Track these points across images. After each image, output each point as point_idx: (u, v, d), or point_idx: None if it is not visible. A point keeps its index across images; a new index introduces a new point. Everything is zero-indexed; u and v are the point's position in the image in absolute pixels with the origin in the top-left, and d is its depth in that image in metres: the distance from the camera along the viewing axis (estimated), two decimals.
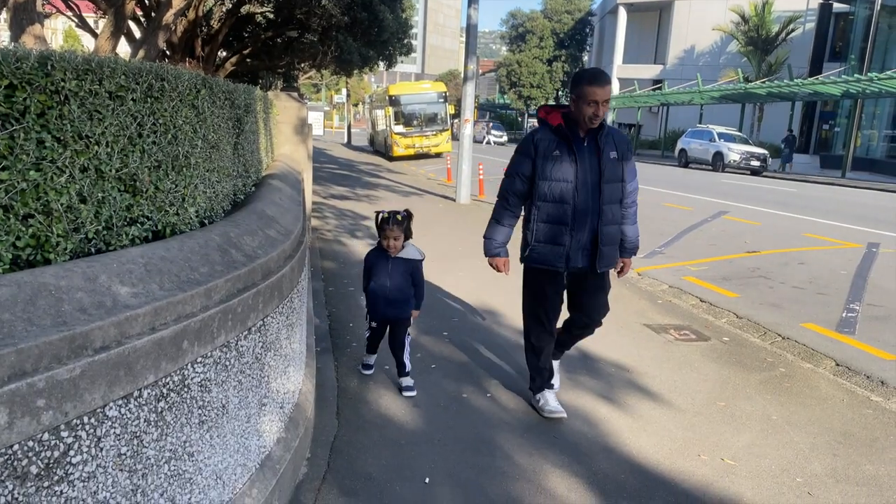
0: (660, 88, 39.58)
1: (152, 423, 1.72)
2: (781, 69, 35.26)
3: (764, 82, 31.54)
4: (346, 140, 43.62)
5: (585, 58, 58.15)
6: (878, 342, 5.40)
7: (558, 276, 3.64)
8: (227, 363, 2.08)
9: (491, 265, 3.78)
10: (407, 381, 4.10)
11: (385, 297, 3.93)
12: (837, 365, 4.89)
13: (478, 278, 7.07)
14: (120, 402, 1.59)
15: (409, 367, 4.11)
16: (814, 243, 9.88)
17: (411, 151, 28.06)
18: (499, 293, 6.44)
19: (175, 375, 1.78)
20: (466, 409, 3.88)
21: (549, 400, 3.84)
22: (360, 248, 8.33)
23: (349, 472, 3.06)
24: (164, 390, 1.75)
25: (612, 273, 3.89)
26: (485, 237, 3.77)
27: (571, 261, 3.55)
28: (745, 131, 32.71)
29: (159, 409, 1.74)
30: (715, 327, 5.73)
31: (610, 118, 43.74)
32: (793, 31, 36.35)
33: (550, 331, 3.81)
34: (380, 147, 32.20)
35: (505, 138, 49.29)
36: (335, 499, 2.82)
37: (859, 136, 30.22)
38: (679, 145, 30.57)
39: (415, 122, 28.47)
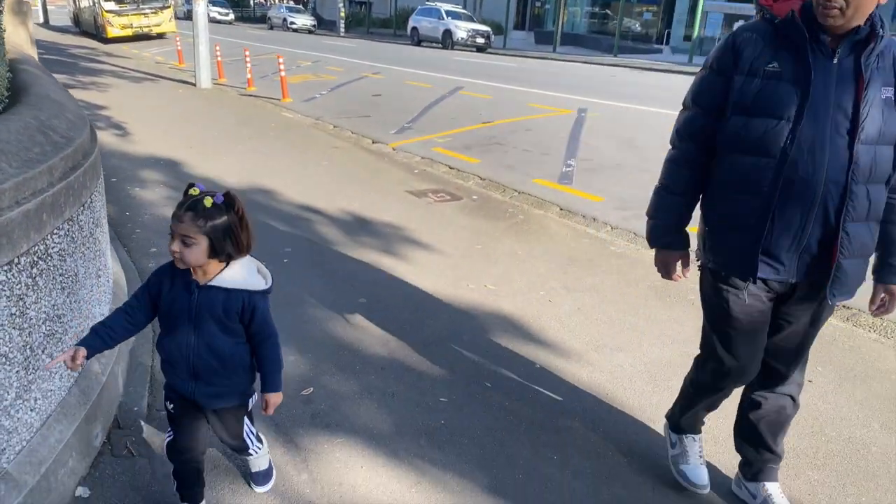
0: None
1: (30, 287, 1.89)
2: None
3: None
4: (41, 20, 37.68)
5: None
6: (591, 189, 6.66)
7: (747, 289, 2.06)
8: (73, 235, 2.23)
9: (659, 265, 2.27)
10: (258, 461, 2.33)
11: (189, 366, 1.94)
12: (561, 209, 6.00)
13: (240, 159, 7.17)
14: (6, 267, 1.75)
15: (255, 449, 2.27)
16: (536, 112, 11.28)
17: (129, 32, 25.26)
18: (270, 171, 6.66)
19: (40, 245, 1.94)
20: (274, 271, 4.22)
21: (691, 454, 2.47)
22: (108, 138, 7.83)
23: None
24: (35, 258, 1.91)
25: (871, 322, 3.04)
26: (647, 215, 2.26)
27: (773, 267, 1.99)
28: (468, 9, 34.35)
29: (33, 275, 1.90)
30: (465, 189, 6.58)
31: None
32: None
33: (734, 372, 2.20)
34: (88, 27, 28.46)
35: (231, 16, 46.13)
36: None
37: (566, 13, 33.42)
38: (410, 24, 31.33)
39: None
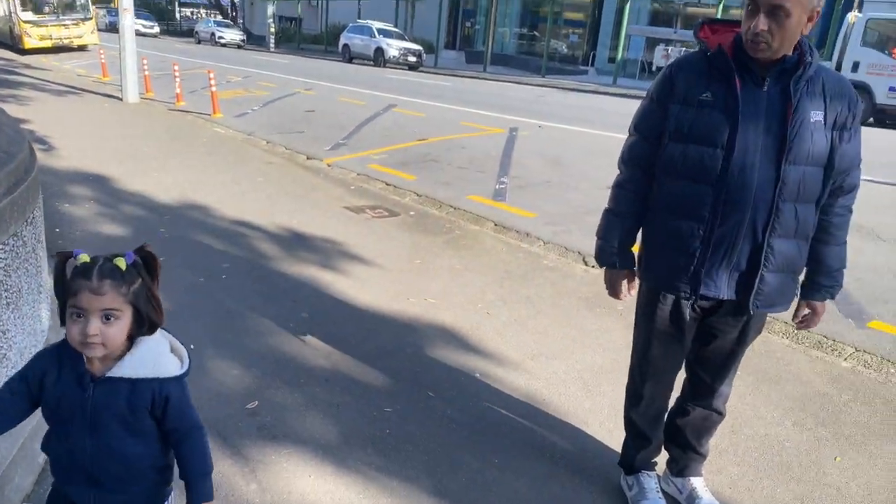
0: None
1: None
2: None
3: None
4: None
5: None
6: (523, 205, 6.87)
7: (679, 306, 2.21)
8: (17, 251, 2.23)
9: (606, 284, 2.36)
10: None
11: (85, 473, 1.55)
12: (496, 225, 6.18)
13: (173, 175, 7.08)
14: None
15: None
16: (470, 130, 11.51)
17: (48, 44, 24.33)
18: (204, 187, 6.60)
19: None
20: (213, 287, 4.21)
21: (647, 489, 2.53)
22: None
23: None
24: None
25: (783, 329, 3.27)
26: (598, 235, 2.34)
27: (704, 284, 2.10)
28: (400, 27, 34.63)
29: None
30: (402, 205, 6.69)
31: (270, 10, 42.51)
32: None
33: (661, 386, 2.45)
34: (4, 38, 27.26)
35: (157, 29, 45.07)
36: None
37: (495, 33, 34.13)
38: (342, 41, 31.34)
39: (47, 9, 24.60)
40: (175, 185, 6.69)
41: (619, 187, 2.27)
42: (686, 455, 2.55)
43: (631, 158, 2.23)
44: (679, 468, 2.58)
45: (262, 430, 2.81)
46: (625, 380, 2.59)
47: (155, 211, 5.85)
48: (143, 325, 1.51)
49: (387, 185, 7.50)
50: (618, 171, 2.30)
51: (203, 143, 9.29)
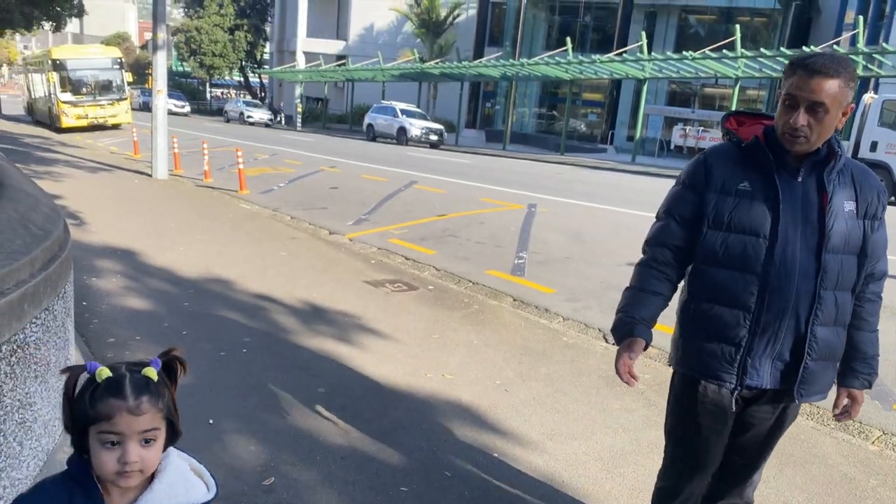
0: (344, 64, 41.13)
1: (8, 375, 1.94)
2: (451, 51, 39.07)
3: (436, 63, 34.73)
4: None
5: (268, 28, 57.44)
6: (542, 280, 6.90)
7: (722, 397, 2.14)
8: (48, 325, 2.29)
9: (616, 359, 2.14)
10: None
11: None
12: (515, 300, 6.20)
13: (198, 250, 7.23)
14: None
15: None
16: (489, 206, 11.68)
17: (84, 123, 25.39)
18: (228, 262, 6.73)
19: (20, 333, 2.00)
20: (233, 361, 4.25)
21: None
22: None
23: None
24: (14, 346, 1.97)
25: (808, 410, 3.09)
26: (618, 310, 2.25)
27: (749, 374, 2.08)
28: (422, 108, 35.68)
29: (12, 363, 1.96)
30: (420, 279, 6.75)
31: (298, 91, 44.09)
32: (458, 15, 40.43)
33: (701, 480, 2.34)
34: (42, 117, 28.56)
35: (188, 108, 46.84)
36: None
37: (514, 113, 35.01)
38: (366, 120, 32.34)
39: (85, 90, 25.76)
40: (200, 260, 6.82)
41: (645, 266, 2.23)
42: None
43: (661, 241, 2.20)
44: None
45: None
46: (646, 461, 2.56)
47: (179, 285, 5.95)
48: (175, 439, 1.34)
49: (406, 259, 7.59)
50: (643, 252, 2.27)
51: (229, 218, 9.51)
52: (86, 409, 1.21)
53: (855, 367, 2.16)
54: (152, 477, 1.31)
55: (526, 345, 5.02)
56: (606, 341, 5.12)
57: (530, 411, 3.87)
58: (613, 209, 12.17)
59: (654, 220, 2.27)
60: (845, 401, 2.19)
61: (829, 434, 3.80)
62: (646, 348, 2.15)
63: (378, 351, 4.65)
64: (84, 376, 1.24)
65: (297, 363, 4.35)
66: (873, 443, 3.74)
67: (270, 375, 4.12)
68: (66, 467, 1.31)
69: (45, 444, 2.27)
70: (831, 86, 1.87)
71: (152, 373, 1.27)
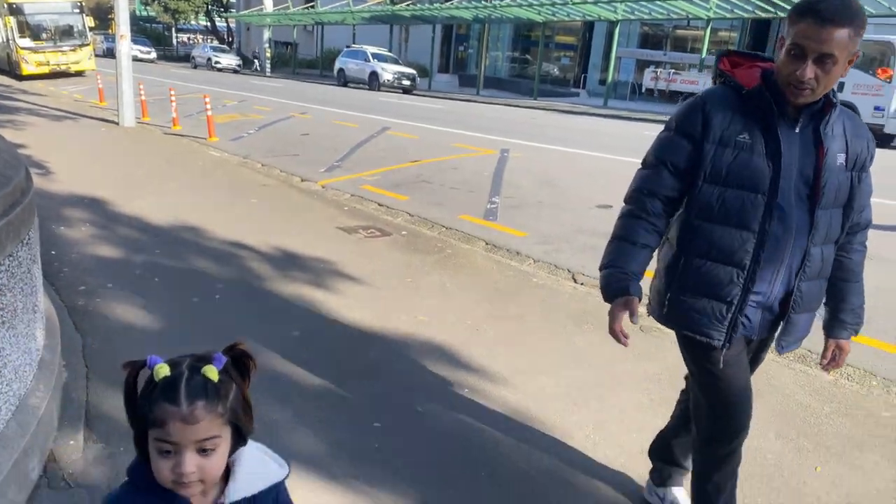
0: (313, 6, 40.05)
1: None
2: None
3: (407, 5, 33.96)
4: None
5: None
6: (514, 224, 6.97)
7: (712, 349, 2.09)
8: (12, 271, 2.29)
9: (610, 319, 2.06)
10: None
11: None
12: (487, 244, 6.27)
13: (168, 198, 7.16)
14: None
15: None
16: (462, 152, 11.64)
17: (45, 70, 24.59)
18: (199, 210, 6.68)
19: None
20: (207, 307, 4.27)
21: None
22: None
23: (110, 371, 3.34)
24: None
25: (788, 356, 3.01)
26: (601, 268, 2.14)
27: (740, 328, 2.06)
28: (394, 52, 35.01)
29: None
30: (394, 225, 6.78)
31: (266, 35, 42.89)
32: None
33: (741, 417, 2.20)
34: (2, 64, 27.57)
35: (153, 54, 45.49)
36: (104, 390, 3.13)
37: (487, 57, 34.51)
38: (337, 65, 31.70)
39: (45, 36, 24.87)
40: (170, 208, 6.76)
41: (634, 217, 2.09)
42: (671, 468, 2.60)
43: (652, 190, 2.07)
44: (662, 478, 2.63)
45: None
46: (611, 394, 2.68)
47: (150, 233, 5.91)
48: (242, 442, 1.23)
49: (379, 205, 7.60)
50: (627, 204, 2.14)
51: (199, 166, 9.39)
52: (144, 410, 1.12)
53: (843, 318, 2.17)
54: (228, 469, 1.23)
55: (497, 287, 5.10)
56: (575, 281, 5.23)
57: (500, 349, 3.97)
58: (586, 153, 12.21)
59: (641, 166, 2.14)
60: (833, 349, 2.21)
61: (787, 366, 3.96)
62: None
63: (352, 295, 4.70)
64: (145, 373, 1.13)
65: (271, 308, 4.39)
66: (829, 373, 3.90)
67: (245, 320, 4.17)
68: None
69: (16, 390, 2.31)
70: (842, 35, 1.74)
71: (212, 372, 1.15)
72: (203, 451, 1.11)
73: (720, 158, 1.94)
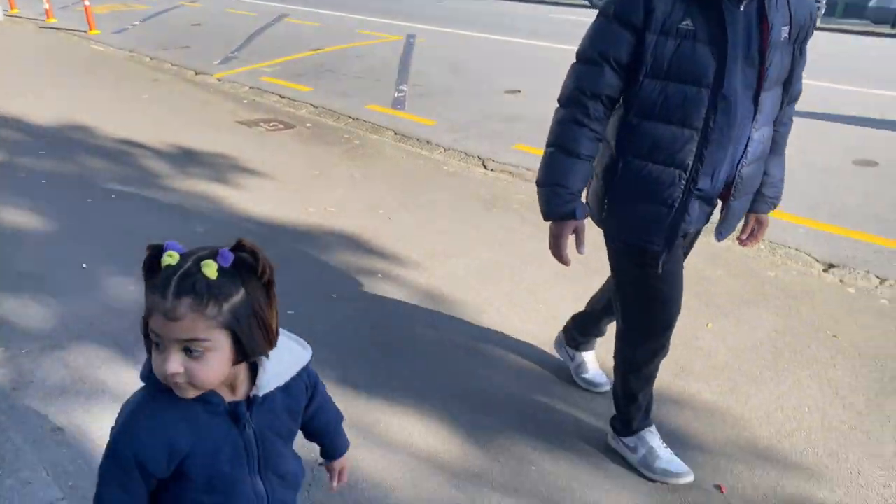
0: None
1: None
2: None
3: None
4: None
5: None
6: (423, 112, 6.85)
7: (653, 255, 1.96)
8: None
9: (554, 241, 1.94)
10: None
11: None
12: (396, 133, 6.16)
13: (50, 96, 6.63)
14: None
15: None
16: (367, 38, 11.21)
17: None
18: (85, 107, 6.23)
19: None
20: (103, 208, 4.06)
21: (658, 450, 2.28)
22: None
23: (2, 274, 3.17)
24: None
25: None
26: (540, 184, 1.93)
27: (681, 231, 1.91)
28: None
29: None
30: (297, 117, 6.54)
31: None
32: None
33: (673, 315, 2.13)
34: None
35: None
36: None
37: None
38: None
39: None
40: (53, 107, 6.27)
41: (576, 124, 1.84)
42: (586, 335, 2.71)
43: (595, 91, 1.81)
44: (576, 343, 2.74)
45: None
46: (522, 270, 2.72)
47: (33, 133, 5.49)
48: (251, 354, 1.07)
49: (281, 97, 7.29)
50: (562, 106, 1.88)
51: (81, 61, 8.68)
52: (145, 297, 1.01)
53: (764, 192, 2.10)
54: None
55: (408, 176, 5.06)
56: (486, 168, 5.24)
57: (412, 235, 3.99)
58: (493, 37, 11.99)
59: (577, 59, 1.87)
60: (752, 224, 2.17)
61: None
62: None
63: (257, 190, 4.57)
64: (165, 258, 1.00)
65: (171, 207, 4.22)
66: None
67: (144, 219, 4.00)
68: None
69: None
70: None
71: (209, 268, 0.99)
72: (189, 352, 1.00)
73: (662, 49, 1.74)
